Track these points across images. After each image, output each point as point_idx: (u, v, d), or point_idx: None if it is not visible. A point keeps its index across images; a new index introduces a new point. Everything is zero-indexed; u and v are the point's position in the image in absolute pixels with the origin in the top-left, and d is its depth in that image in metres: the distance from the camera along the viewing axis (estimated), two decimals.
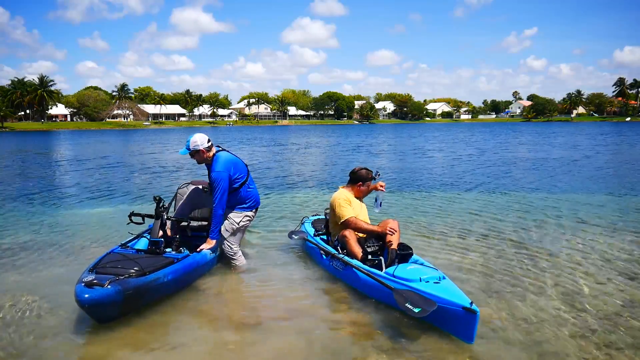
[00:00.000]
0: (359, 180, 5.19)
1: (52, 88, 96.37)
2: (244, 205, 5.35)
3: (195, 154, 5.14)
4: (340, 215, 5.04)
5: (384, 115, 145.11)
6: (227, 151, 5.31)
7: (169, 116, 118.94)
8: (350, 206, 5.07)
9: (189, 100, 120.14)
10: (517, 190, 11.01)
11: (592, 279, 4.96)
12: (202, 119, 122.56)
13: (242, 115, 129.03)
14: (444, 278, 4.10)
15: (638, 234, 6.79)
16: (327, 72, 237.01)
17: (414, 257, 4.78)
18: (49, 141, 44.18)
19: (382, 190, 5.28)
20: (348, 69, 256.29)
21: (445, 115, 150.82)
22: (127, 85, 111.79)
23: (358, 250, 4.80)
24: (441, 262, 5.46)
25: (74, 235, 7.13)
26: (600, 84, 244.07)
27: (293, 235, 5.99)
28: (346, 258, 4.79)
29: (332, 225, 5.27)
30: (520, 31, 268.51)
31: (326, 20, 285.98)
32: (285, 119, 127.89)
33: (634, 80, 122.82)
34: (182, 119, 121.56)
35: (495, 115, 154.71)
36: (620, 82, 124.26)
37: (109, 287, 3.75)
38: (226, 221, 5.26)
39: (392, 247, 4.71)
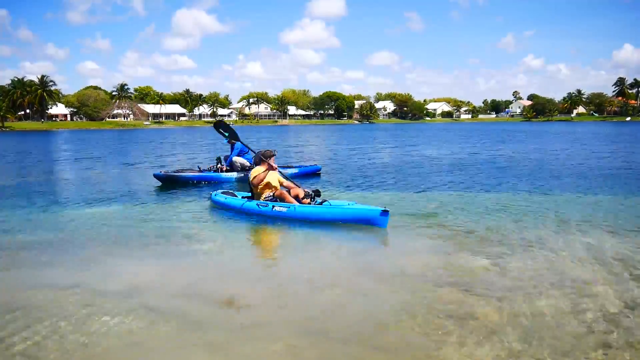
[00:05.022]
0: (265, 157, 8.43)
1: (53, 88, 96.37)
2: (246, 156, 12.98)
3: (229, 142, 12.98)
4: (261, 179, 8.24)
5: (384, 115, 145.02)
6: (240, 141, 12.60)
7: (169, 116, 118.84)
8: (262, 174, 8.27)
9: (188, 100, 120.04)
10: (505, 190, 11.01)
11: (592, 279, 4.96)
12: (202, 119, 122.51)
13: (242, 115, 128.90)
14: (355, 203, 7.71)
15: (636, 233, 6.78)
16: (327, 72, 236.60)
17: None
18: (49, 141, 44.17)
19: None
20: (348, 68, 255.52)
21: (445, 115, 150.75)
22: (126, 84, 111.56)
23: (293, 200, 7.92)
24: (437, 262, 5.45)
25: (71, 234, 7.14)
26: (600, 83, 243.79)
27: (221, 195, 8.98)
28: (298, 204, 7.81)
29: (258, 188, 8.28)
30: (519, 31, 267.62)
31: (326, 20, 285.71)
32: (285, 118, 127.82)
33: (634, 80, 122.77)
34: (182, 118, 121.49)
35: (495, 115, 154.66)
36: (620, 82, 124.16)
37: (161, 172, 12.79)
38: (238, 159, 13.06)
39: (301, 199, 7.98)
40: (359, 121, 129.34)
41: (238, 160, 13.06)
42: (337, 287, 4.93)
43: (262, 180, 8.19)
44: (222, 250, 6.61)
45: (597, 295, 4.52)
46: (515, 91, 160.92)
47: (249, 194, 8.61)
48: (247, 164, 12.88)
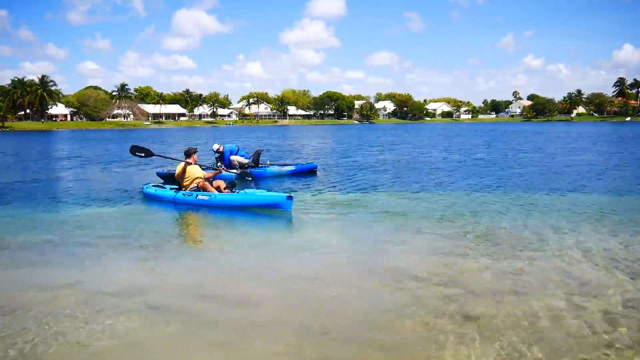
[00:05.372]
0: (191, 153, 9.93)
1: (53, 88, 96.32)
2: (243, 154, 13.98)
3: (217, 151, 13.84)
4: (184, 173, 9.65)
5: (384, 115, 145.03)
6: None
7: (169, 116, 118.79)
8: (186, 168, 9.68)
9: (188, 100, 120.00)
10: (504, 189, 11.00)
11: (591, 279, 4.96)
12: (202, 119, 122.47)
13: (242, 115, 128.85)
14: (267, 191, 9.04)
15: (637, 233, 6.78)
16: (327, 72, 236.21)
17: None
18: (48, 141, 44.17)
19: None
20: (348, 68, 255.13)
21: (445, 115, 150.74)
22: (127, 84, 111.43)
23: (214, 190, 9.26)
24: (437, 262, 5.44)
25: (71, 234, 7.13)
26: (600, 83, 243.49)
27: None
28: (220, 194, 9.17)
29: (184, 180, 9.59)
30: (519, 31, 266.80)
31: (326, 20, 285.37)
32: (285, 118, 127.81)
33: (634, 80, 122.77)
34: (182, 118, 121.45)
35: (495, 115, 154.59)
36: (620, 82, 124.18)
37: (164, 171, 12.79)
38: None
39: (222, 189, 9.34)
40: (359, 121, 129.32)
41: (235, 159, 13.87)
42: (338, 287, 4.93)
43: (186, 173, 9.58)
44: (223, 250, 6.60)
45: (597, 295, 4.51)
46: (515, 91, 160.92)
47: (177, 186, 9.87)
48: (245, 161, 13.86)
